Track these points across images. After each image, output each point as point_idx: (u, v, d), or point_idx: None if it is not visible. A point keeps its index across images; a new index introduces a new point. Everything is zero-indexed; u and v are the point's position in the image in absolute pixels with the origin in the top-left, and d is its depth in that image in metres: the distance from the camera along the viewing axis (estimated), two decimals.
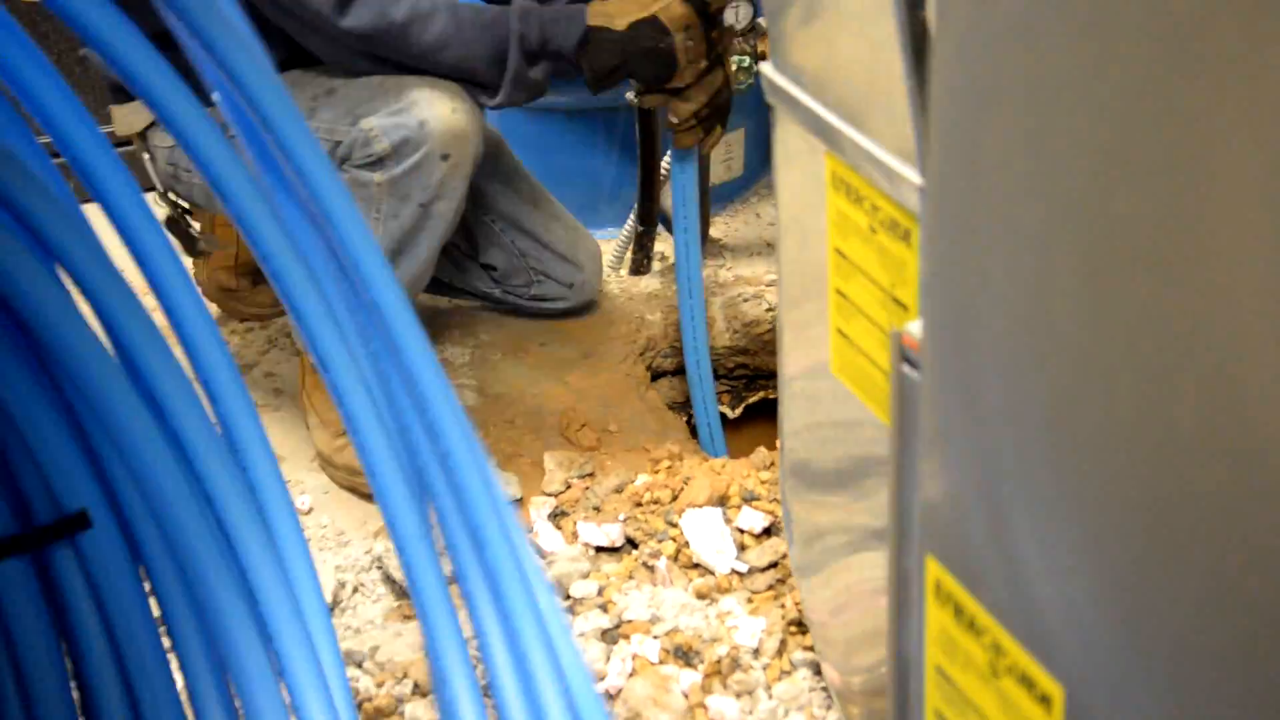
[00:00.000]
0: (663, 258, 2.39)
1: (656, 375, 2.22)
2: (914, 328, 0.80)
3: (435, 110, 1.66)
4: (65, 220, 0.98)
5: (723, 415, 2.29)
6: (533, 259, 2.11)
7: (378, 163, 1.67)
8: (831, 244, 1.03)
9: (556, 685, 1.00)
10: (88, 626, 1.14)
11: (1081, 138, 0.58)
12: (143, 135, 1.85)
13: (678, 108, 1.82)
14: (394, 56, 1.68)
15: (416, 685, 1.41)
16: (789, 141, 1.07)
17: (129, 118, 1.83)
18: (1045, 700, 0.71)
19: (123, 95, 1.82)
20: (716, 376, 2.27)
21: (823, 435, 1.17)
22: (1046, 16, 0.58)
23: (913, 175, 0.86)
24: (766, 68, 1.06)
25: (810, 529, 1.24)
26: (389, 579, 1.60)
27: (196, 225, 1.99)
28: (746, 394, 2.29)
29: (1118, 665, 0.65)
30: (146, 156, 1.86)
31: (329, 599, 1.55)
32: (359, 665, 1.46)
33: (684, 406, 2.22)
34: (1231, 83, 0.50)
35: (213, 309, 2.18)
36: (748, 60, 2.02)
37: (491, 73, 1.70)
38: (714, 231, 2.48)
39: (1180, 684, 0.61)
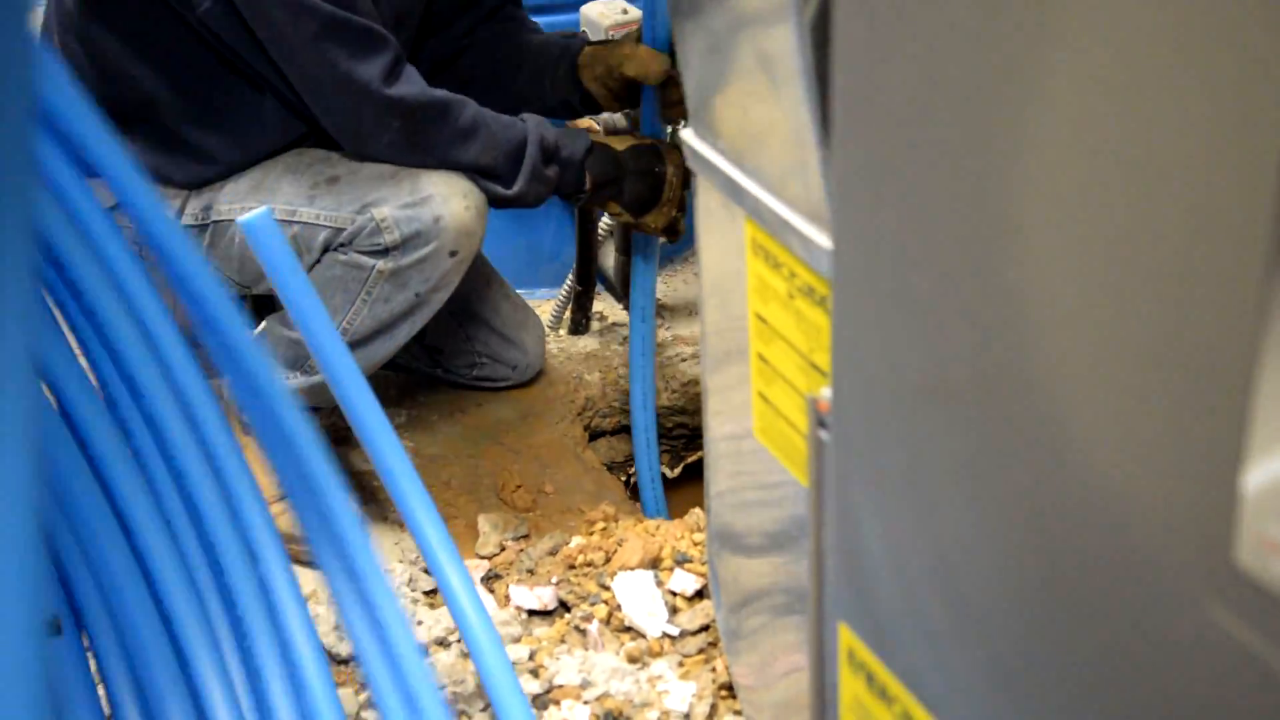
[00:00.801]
0: (601, 317, 2.39)
1: (595, 435, 2.22)
2: (828, 393, 0.81)
3: (451, 207, 1.67)
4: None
5: (661, 474, 2.28)
6: (479, 342, 2.11)
7: (384, 251, 1.67)
8: (752, 309, 1.03)
9: None
10: None
11: (965, 210, 0.59)
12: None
13: (667, 94, 1.91)
14: (428, 134, 1.69)
15: None
16: (710, 206, 1.07)
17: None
18: None
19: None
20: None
21: (747, 499, 1.16)
22: (931, 93, 0.59)
23: (827, 242, 0.87)
24: (687, 134, 1.07)
25: (736, 593, 1.23)
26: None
27: None
28: (685, 454, 2.29)
29: None
30: None
31: None
32: None
33: (623, 466, 2.21)
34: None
35: None
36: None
37: (509, 166, 1.73)
38: None
39: None
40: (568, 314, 2.37)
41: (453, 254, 1.69)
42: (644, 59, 1.87)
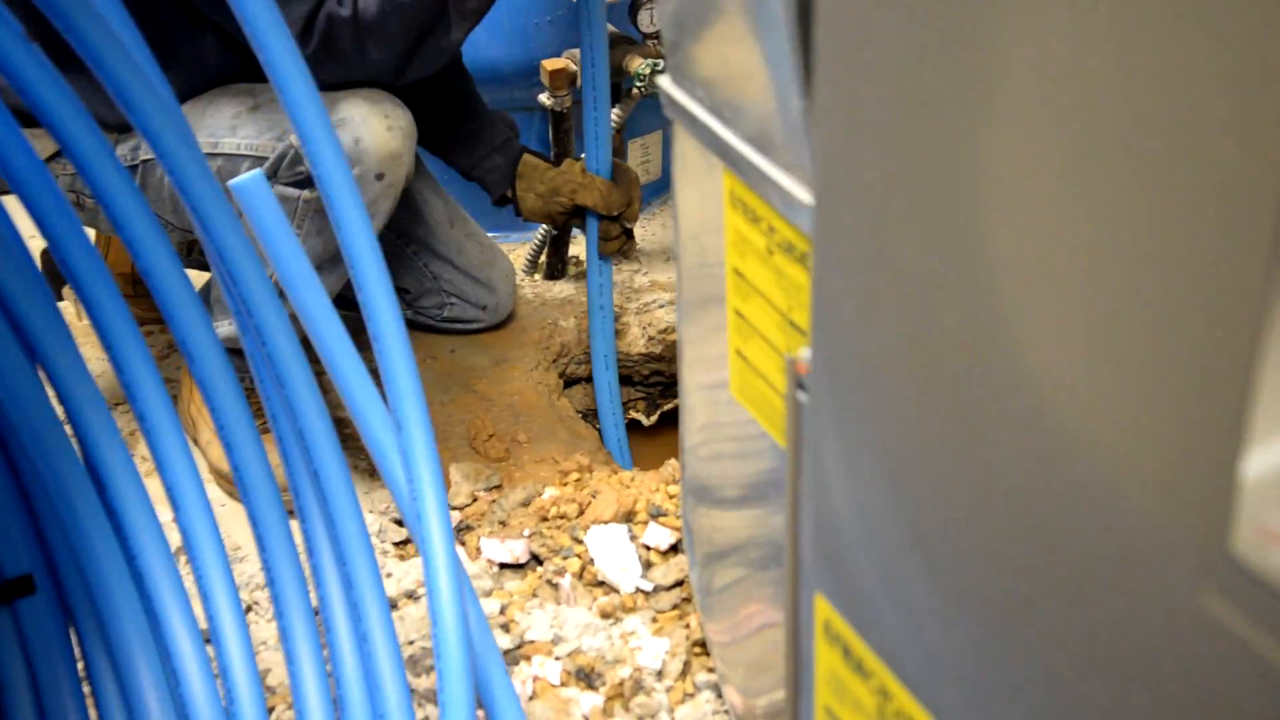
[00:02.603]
0: (577, 262, 2.35)
1: (570, 382, 2.19)
2: (808, 354, 0.78)
3: (370, 128, 1.60)
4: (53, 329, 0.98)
5: (637, 422, 2.26)
6: (445, 281, 2.07)
7: (307, 180, 1.59)
8: (730, 263, 1.00)
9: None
10: (17, 687, 1.11)
11: (950, 169, 0.56)
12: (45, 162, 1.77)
13: (607, 229, 2.01)
14: (348, 41, 1.61)
15: None
16: (687, 156, 1.04)
17: (34, 144, 1.76)
18: None
19: (28, 121, 1.74)
20: (631, 383, 2.24)
21: (722, 455, 1.14)
22: (919, 45, 0.56)
23: (809, 198, 0.84)
24: (664, 81, 1.03)
25: (710, 549, 1.21)
26: None
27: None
28: (661, 401, 2.27)
29: (995, 714, 0.63)
30: None
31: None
32: None
33: (598, 414, 2.19)
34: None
35: None
36: (662, 64, 2.00)
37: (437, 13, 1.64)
38: None
39: None
40: (543, 258, 2.34)
41: (379, 177, 1.62)
42: (602, 191, 1.93)
